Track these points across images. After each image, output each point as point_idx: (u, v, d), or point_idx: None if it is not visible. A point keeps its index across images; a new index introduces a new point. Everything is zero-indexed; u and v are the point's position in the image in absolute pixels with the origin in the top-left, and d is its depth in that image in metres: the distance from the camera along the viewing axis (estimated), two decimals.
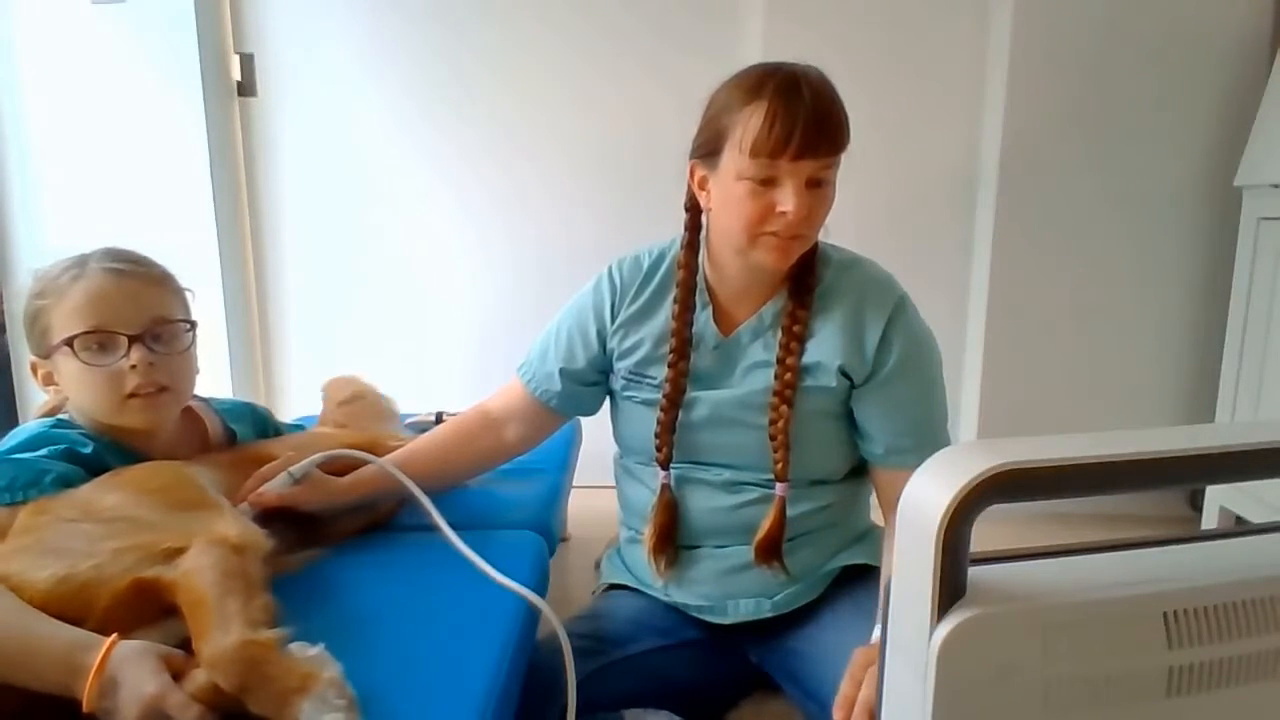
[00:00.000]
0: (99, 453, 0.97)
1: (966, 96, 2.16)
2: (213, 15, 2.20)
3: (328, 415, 1.40)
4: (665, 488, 1.15)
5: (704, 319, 1.14)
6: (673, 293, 1.15)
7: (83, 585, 0.76)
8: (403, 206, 2.33)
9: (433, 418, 1.73)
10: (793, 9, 2.13)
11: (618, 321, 1.18)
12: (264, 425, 1.24)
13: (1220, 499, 1.99)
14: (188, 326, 1.05)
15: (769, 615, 1.14)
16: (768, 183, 1.00)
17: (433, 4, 2.23)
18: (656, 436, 1.13)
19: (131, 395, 0.98)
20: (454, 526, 1.11)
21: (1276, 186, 1.86)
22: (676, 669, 1.14)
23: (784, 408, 1.08)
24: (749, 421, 1.11)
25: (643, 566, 1.20)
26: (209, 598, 0.75)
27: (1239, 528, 0.63)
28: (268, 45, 2.27)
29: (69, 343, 0.96)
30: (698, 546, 1.16)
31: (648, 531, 1.15)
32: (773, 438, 1.09)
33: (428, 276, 2.37)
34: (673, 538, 1.15)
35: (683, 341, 1.13)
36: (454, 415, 1.73)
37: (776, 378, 1.09)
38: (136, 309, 0.99)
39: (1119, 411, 2.21)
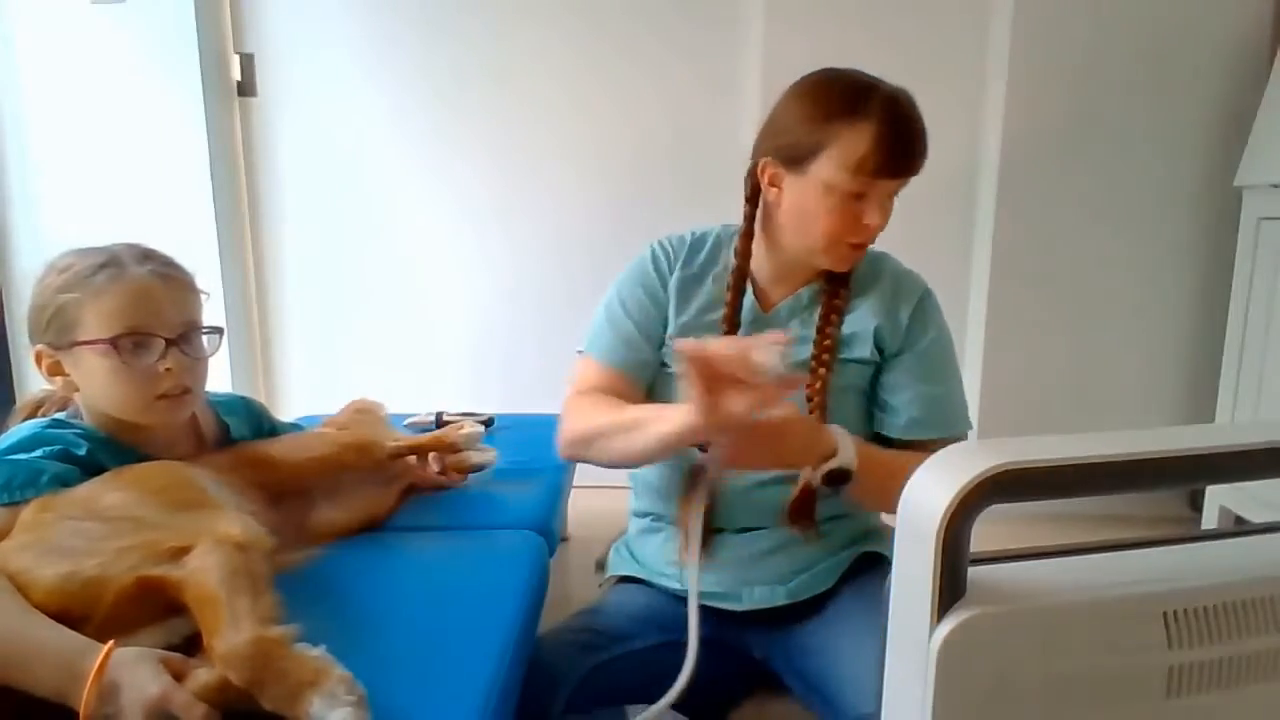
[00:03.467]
0: (93, 453, 0.97)
1: (967, 97, 2.16)
2: (213, 15, 2.20)
3: (331, 426, 1.40)
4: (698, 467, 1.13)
5: (746, 298, 1.17)
6: (716, 270, 1.18)
7: (87, 583, 0.76)
8: (402, 207, 2.34)
9: (432, 418, 1.73)
10: (793, 13, 2.13)
11: (671, 286, 1.19)
12: (258, 420, 1.24)
13: (1220, 499, 2.00)
14: (215, 332, 1.07)
15: (783, 603, 1.14)
16: (856, 196, 1.04)
17: (432, 5, 2.23)
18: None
19: (160, 396, 1.00)
20: (454, 527, 1.12)
21: (1276, 186, 1.86)
22: (679, 666, 1.14)
23: (822, 371, 1.11)
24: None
25: (656, 557, 1.20)
26: (218, 596, 0.75)
27: (1239, 528, 0.63)
28: (268, 45, 2.27)
29: (113, 342, 0.96)
30: (719, 530, 1.16)
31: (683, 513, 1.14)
32: (809, 399, 1.11)
33: (427, 276, 2.37)
34: (713, 519, 1.14)
35: (733, 326, 1.15)
36: (454, 415, 1.74)
37: (815, 344, 1.13)
38: (174, 312, 1.01)
39: (1119, 411, 2.22)
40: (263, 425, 1.24)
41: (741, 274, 1.16)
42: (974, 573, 0.50)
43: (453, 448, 1.38)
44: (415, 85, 2.27)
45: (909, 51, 2.14)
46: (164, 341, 0.99)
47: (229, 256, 2.30)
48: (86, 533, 0.82)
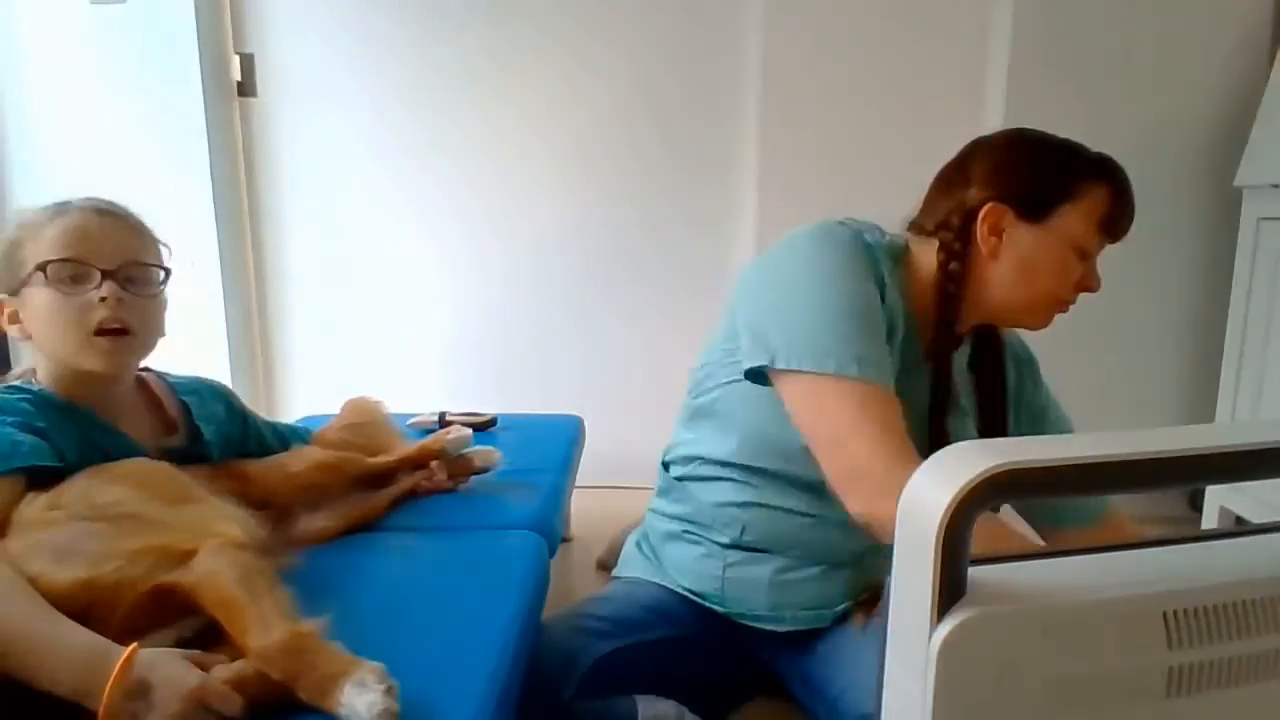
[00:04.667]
0: (50, 423, 0.96)
1: (967, 96, 2.16)
2: (213, 15, 2.20)
3: (330, 432, 1.39)
4: None
5: (913, 340, 1.08)
6: (887, 290, 1.01)
7: (107, 588, 0.78)
8: (403, 206, 2.34)
9: (435, 418, 1.73)
10: (792, 13, 2.13)
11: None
12: (224, 400, 1.21)
13: (1220, 499, 1.99)
14: (161, 273, 1.06)
15: (826, 625, 1.14)
16: (1084, 256, 1.03)
17: (432, 5, 2.23)
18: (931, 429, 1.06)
19: (98, 333, 0.98)
20: (456, 527, 1.11)
21: (1276, 186, 1.86)
22: (687, 662, 1.14)
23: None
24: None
25: (689, 570, 1.19)
26: (239, 598, 0.78)
27: (1239, 528, 0.63)
28: (268, 45, 2.27)
29: (42, 268, 0.96)
30: (766, 550, 1.14)
31: None
32: None
33: (428, 276, 2.37)
34: None
35: (947, 389, 1.07)
36: (456, 415, 1.74)
37: (983, 421, 1.12)
38: (113, 247, 1.01)
39: (1119, 411, 2.21)
40: (231, 405, 1.22)
41: (948, 327, 1.06)
42: (974, 573, 0.50)
43: (440, 455, 1.36)
44: (415, 85, 2.27)
45: (909, 50, 2.14)
46: (99, 273, 0.99)
47: (229, 256, 2.30)
48: (96, 534, 0.84)
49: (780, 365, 0.94)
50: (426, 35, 2.24)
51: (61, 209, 1.01)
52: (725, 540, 1.15)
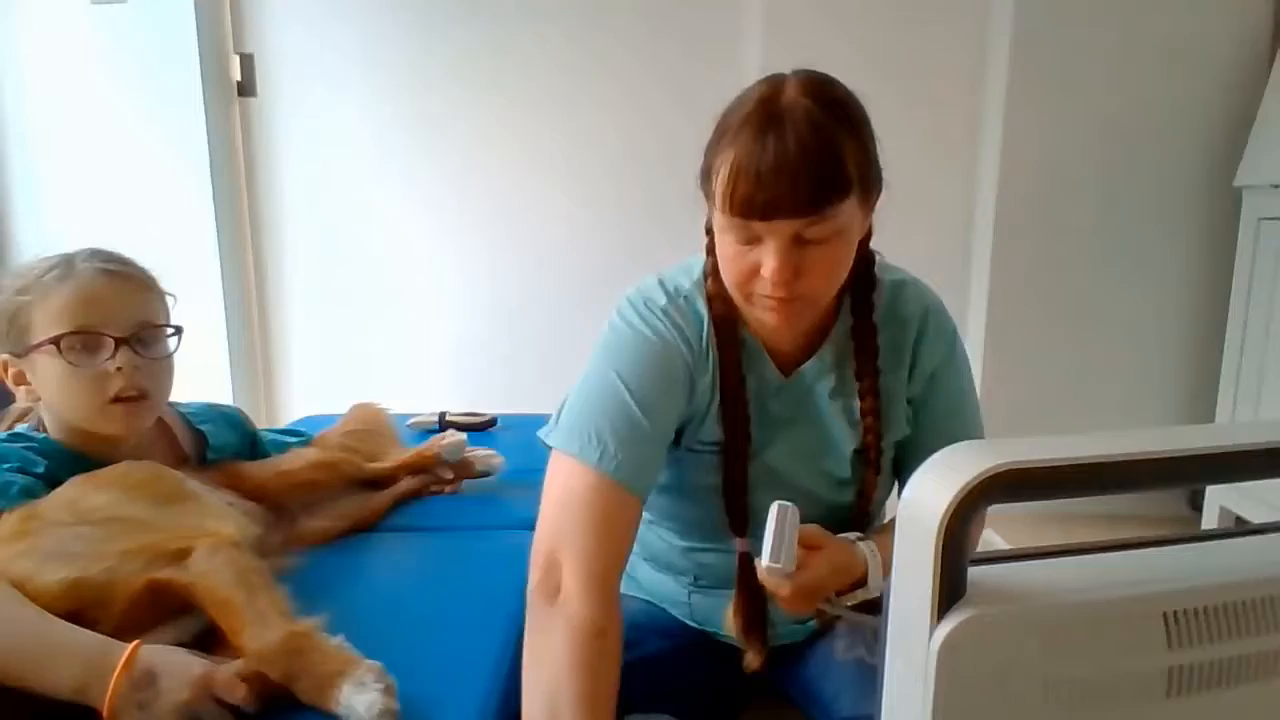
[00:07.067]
0: (52, 471, 0.94)
1: (967, 96, 2.16)
2: (213, 15, 2.20)
3: (331, 436, 1.39)
4: (745, 558, 0.93)
5: (761, 362, 0.96)
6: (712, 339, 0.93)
7: (99, 588, 0.77)
8: (402, 207, 2.34)
9: (435, 418, 1.73)
10: (791, 18, 2.13)
11: (694, 369, 0.92)
12: (238, 425, 1.20)
13: (1220, 499, 2.00)
14: (172, 332, 1.04)
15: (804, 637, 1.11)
16: (751, 240, 0.83)
17: (432, 5, 2.23)
18: (725, 497, 0.95)
19: (114, 400, 0.96)
20: (456, 527, 1.11)
21: (1276, 186, 1.86)
22: (681, 674, 1.13)
23: (872, 474, 0.97)
24: (827, 468, 0.99)
25: (662, 590, 1.14)
26: (235, 597, 0.78)
27: (1239, 528, 0.63)
28: (268, 45, 2.27)
29: (55, 341, 0.94)
30: (727, 588, 1.05)
31: (732, 614, 0.97)
32: (862, 509, 1.00)
33: (428, 275, 2.37)
34: (764, 620, 0.97)
35: (735, 382, 0.91)
36: (456, 415, 1.74)
37: (863, 435, 0.97)
38: (125, 311, 0.98)
39: (1119, 411, 2.22)
40: (244, 430, 1.21)
41: (729, 324, 0.92)
42: (974, 573, 0.50)
43: (434, 461, 1.36)
44: (415, 85, 2.27)
45: (909, 50, 2.14)
46: (113, 341, 0.96)
47: (229, 256, 2.30)
48: (83, 536, 0.82)
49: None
50: (428, 33, 2.24)
51: (68, 268, 0.97)
52: (686, 580, 1.11)
